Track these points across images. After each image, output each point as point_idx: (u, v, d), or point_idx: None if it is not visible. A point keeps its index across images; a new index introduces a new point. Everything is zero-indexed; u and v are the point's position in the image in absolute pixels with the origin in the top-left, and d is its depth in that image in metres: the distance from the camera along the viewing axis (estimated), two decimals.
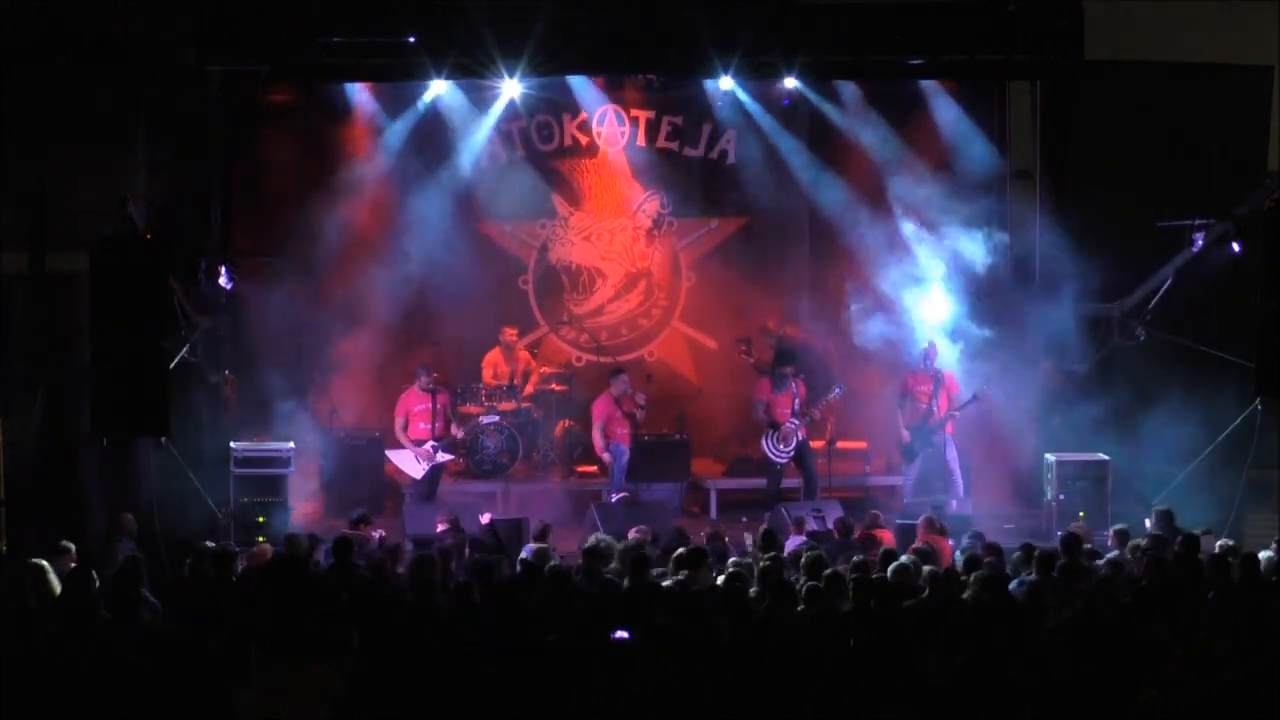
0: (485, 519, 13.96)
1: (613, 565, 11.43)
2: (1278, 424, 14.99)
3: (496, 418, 16.70)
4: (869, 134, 17.71)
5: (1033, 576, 10.95)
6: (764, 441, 15.97)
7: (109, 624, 9.52)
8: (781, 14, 16.15)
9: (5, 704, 8.34)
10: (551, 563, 11.69)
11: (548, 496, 15.97)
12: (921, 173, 17.80)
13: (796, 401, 15.83)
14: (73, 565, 11.01)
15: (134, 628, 9.56)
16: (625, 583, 10.71)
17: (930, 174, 17.82)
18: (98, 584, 10.19)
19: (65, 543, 11.54)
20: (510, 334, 17.40)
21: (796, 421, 15.76)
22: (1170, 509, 13.39)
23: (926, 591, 10.41)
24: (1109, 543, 12.94)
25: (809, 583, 10.42)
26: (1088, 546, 12.04)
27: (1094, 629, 9.33)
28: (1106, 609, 9.83)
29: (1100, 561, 11.60)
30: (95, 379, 13.17)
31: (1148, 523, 13.50)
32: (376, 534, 13.41)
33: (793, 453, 15.88)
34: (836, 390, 16.23)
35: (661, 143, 18.17)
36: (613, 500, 15.78)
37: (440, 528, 13.47)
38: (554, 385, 17.51)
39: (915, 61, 16.68)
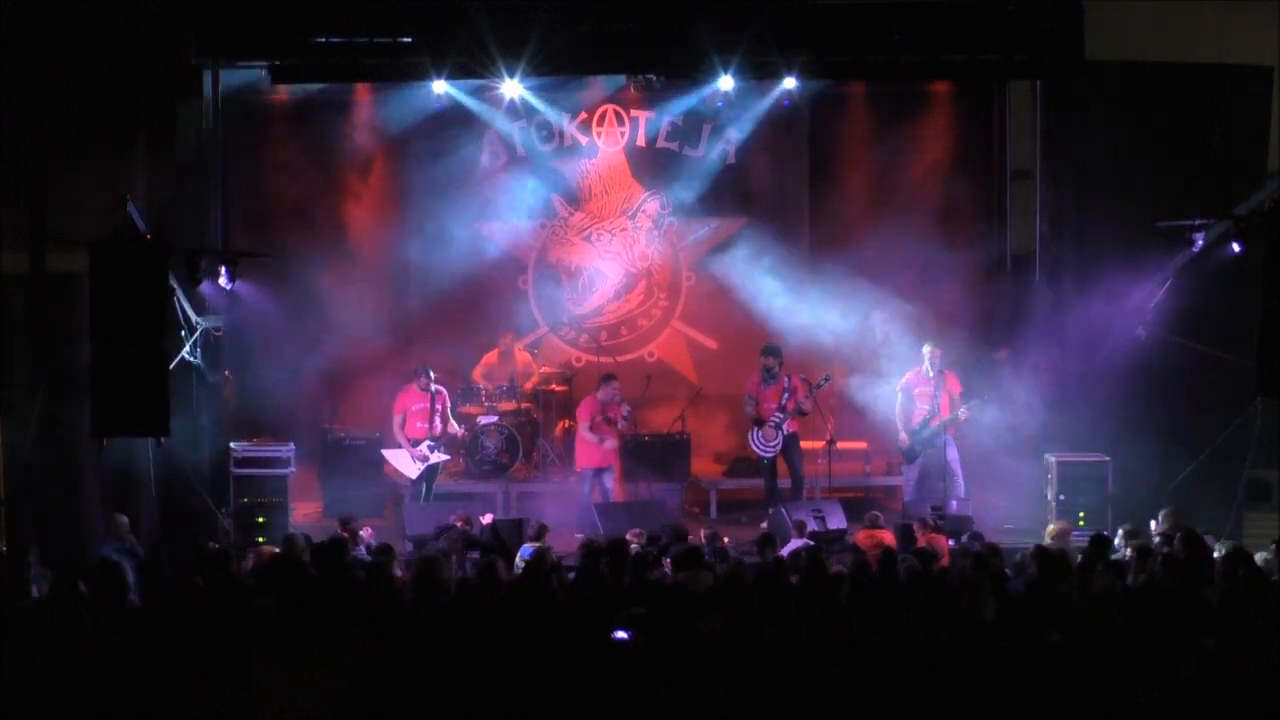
0: (486, 519, 13.96)
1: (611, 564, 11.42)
2: (1278, 424, 14.98)
3: (496, 418, 16.69)
4: (869, 134, 17.72)
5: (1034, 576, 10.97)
6: (750, 436, 16.01)
7: (102, 626, 9.51)
8: (781, 14, 16.14)
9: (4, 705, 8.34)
10: (549, 562, 11.68)
11: (548, 496, 15.97)
12: (921, 172, 17.83)
13: (785, 395, 15.82)
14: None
15: (127, 629, 9.55)
16: (625, 582, 10.71)
17: (930, 173, 17.84)
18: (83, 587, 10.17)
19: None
20: (507, 340, 17.40)
21: (781, 415, 15.76)
22: (1180, 508, 13.38)
23: (925, 591, 10.41)
24: (1116, 542, 12.93)
25: (808, 583, 10.41)
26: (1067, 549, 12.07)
27: (1094, 629, 9.33)
28: (1107, 609, 9.83)
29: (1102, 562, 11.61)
30: (95, 379, 13.14)
31: (1154, 524, 13.50)
32: (365, 532, 13.43)
33: (779, 446, 15.86)
34: (823, 379, 16.12)
35: (661, 143, 18.17)
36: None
37: (458, 523, 13.49)
38: (554, 385, 17.51)
39: (915, 61, 16.68)
